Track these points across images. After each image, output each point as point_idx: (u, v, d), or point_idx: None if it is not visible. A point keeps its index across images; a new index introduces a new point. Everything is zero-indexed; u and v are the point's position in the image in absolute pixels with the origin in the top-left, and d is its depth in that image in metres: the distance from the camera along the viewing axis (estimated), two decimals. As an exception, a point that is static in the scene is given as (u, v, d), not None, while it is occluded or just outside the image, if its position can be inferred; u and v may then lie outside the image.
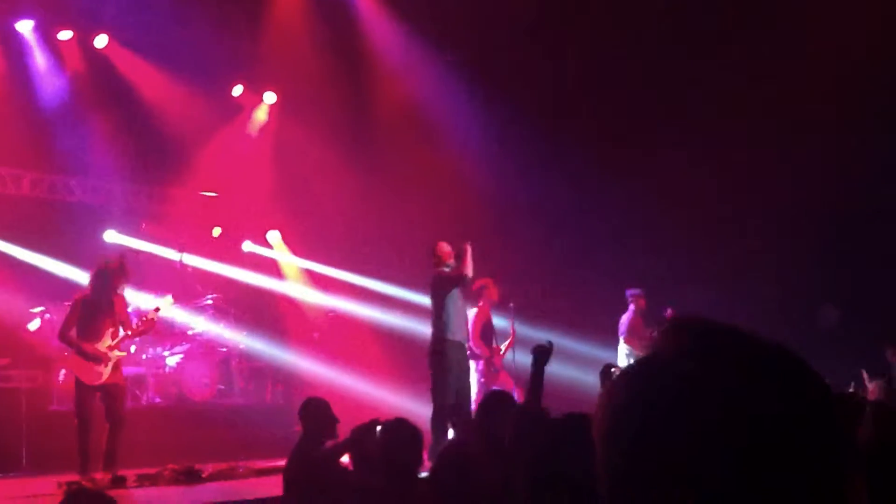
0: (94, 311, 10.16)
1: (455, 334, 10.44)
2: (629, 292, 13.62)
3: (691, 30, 14.22)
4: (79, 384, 10.03)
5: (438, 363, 10.31)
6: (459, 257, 10.48)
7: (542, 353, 6.29)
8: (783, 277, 14.03)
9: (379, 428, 5.82)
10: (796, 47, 13.49)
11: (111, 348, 10.07)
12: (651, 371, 1.18)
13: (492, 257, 13.17)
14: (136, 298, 12.73)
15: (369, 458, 5.68)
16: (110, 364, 10.04)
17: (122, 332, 10.26)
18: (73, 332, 10.11)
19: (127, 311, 10.56)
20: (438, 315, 10.44)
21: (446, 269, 10.57)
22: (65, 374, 12.23)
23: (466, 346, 10.87)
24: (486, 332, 12.14)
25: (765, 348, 1.16)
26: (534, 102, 15.61)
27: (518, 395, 10.00)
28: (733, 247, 14.29)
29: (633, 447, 1.14)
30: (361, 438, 6.11)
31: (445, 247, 10.62)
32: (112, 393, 10.06)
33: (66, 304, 12.41)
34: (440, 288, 10.51)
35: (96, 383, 9.97)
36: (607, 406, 1.19)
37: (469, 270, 10.47)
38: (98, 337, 10.07)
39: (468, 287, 10.90)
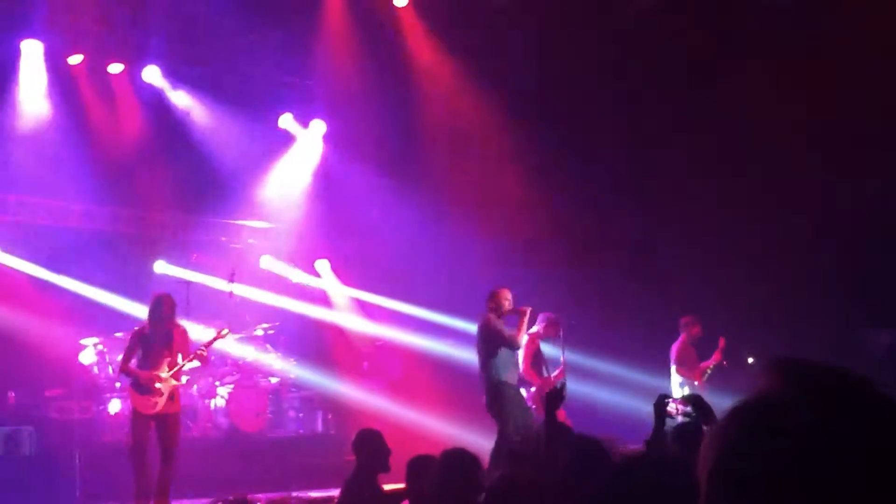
0: (152, 342, 10.21)
1: (510, 376, 10.37)
2: (682, 320, 13.41)
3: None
4: (135, 413, 10.08)
5: (500, 409, 10.19)
6: (516, 316, 10.47)
7: (554, 398, 6.63)
8: (837, 299, 13.81)
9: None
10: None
11: (165, 378, 10.08)
12: (768, 419, 1.19)
13: (541, 285, 13.10)
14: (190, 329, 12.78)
15: (425, 496, 5.59)
16: (165, 394, 10.05)
17: (179, 362, 10.29)
18: (133, 364, 10.16)
19: (188, 342, 10.54)
20: (490, 359, 10.31)
21: (499, 317, 10.43)
22: (119, 404, 12.30)
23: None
24: (537, 361, 12.03)
25: (875, 395, 1.19)
26: (603, 130, 15.28)
27: (568, 424, 9.85)
28: (785, 270, 14.07)
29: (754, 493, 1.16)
30: (418, 475, 6.03)
31: (508, 296, 10.52)
32: (167, 423, 10.07)
33: (118, 335, 12.57)
34: (491, 338, 10.38)
35: (151, 412, 10.00)
36: (720, 453, 1.21)
37: (522, 339, 10.61)
38: (156, 368, 10.11)
39: (515, 351, 10.77)
